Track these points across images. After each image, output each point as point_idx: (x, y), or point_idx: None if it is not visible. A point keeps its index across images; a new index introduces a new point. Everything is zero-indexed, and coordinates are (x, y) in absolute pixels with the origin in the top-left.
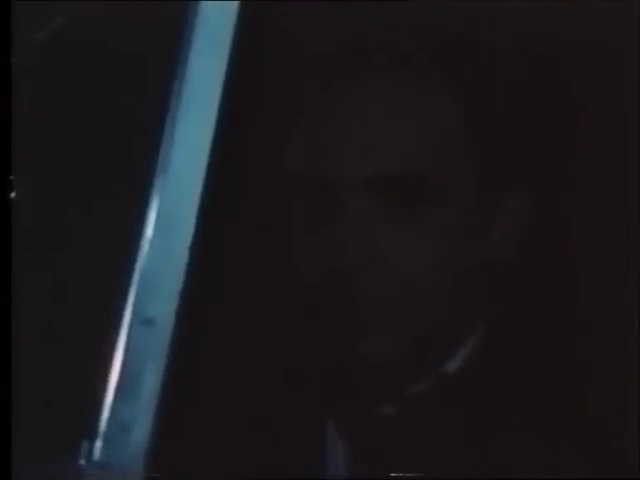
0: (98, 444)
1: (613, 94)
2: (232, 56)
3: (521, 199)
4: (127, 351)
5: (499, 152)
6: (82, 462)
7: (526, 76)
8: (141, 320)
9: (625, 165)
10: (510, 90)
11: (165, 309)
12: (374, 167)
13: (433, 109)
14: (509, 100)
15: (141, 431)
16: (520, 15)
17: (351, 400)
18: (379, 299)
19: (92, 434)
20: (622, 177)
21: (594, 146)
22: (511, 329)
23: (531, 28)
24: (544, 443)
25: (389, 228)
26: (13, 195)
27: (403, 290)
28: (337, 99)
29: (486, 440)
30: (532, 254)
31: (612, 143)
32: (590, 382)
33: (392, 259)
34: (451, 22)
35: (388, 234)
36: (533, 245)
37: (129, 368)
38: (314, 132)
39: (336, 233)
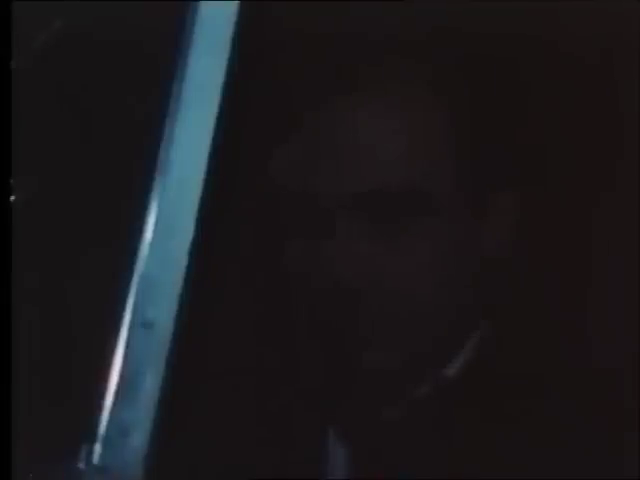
0: (97, 448)
1: (603, 91)
2: (232, 56)
3: (512, 198)
4: (126, 354)
5: (486, 154)
6: (81, 466)
7: (512, 78)
8: (140, 323)
9: (617, 160)
10: (496, 92)
11: (164, 312)
12: (362, 183)
13: (417, 120)
14: (495, 103)
15: (140, 435)
16: (505, 17)
17: (351, 405)
18: (375, 318)
19: (91, 437)
20: (614, 172)
21: (585, 143)
22: (511, 330)
23: (515, 30)
24: (544, 444)
25: (380, 245)
26: (13, 198)
27: (401, 307)
28: (326, 113)
29: (487, 442)
30: (529, 253)
31: (603, 140)
32: (590, 382)
33: (385, 277)
34: (436, 31)
35: (378, 251)
36: (529, 244)
37: (128, 371)
38: (303, 145)
39: (325, 251)
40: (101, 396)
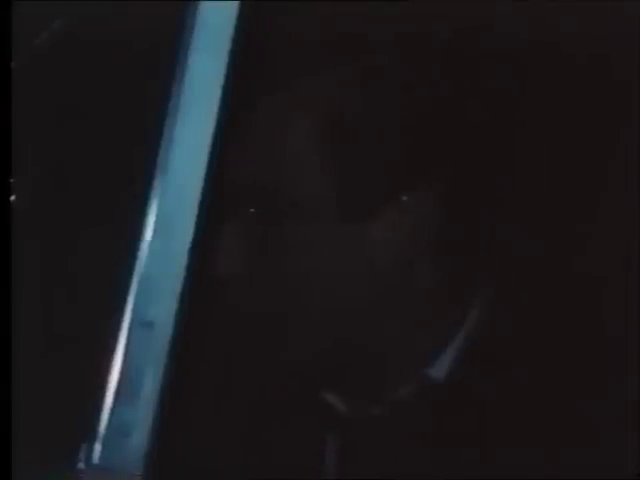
0: (97, 447)
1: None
2: (232, 56)
3: (418, 196)
4: (126, 354)
5: (375, 162)
6: (81, 465)
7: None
8: (140, 323)
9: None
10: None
11: (164, 312)
12: (239, 182)
13: (301, 122)
14: (387, 99)
15: (140, 434)
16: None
17: (338, 402)
18: (262, 312)
19: (91, 437)
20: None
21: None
22: (496, 330)
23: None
24: (538, 444)
25: (254, 244)
26: (13, 198)
27: (283, 301)
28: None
29: (479, 442)
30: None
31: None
32: (586, 381)
33: (256, 275)
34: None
35: (260, 246)
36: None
37: (128, 371)
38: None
39: (219, 243)
40: (101, 396)
